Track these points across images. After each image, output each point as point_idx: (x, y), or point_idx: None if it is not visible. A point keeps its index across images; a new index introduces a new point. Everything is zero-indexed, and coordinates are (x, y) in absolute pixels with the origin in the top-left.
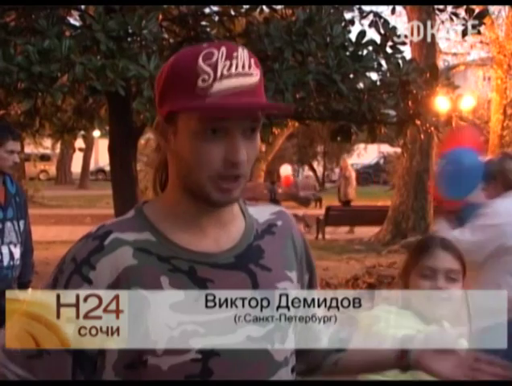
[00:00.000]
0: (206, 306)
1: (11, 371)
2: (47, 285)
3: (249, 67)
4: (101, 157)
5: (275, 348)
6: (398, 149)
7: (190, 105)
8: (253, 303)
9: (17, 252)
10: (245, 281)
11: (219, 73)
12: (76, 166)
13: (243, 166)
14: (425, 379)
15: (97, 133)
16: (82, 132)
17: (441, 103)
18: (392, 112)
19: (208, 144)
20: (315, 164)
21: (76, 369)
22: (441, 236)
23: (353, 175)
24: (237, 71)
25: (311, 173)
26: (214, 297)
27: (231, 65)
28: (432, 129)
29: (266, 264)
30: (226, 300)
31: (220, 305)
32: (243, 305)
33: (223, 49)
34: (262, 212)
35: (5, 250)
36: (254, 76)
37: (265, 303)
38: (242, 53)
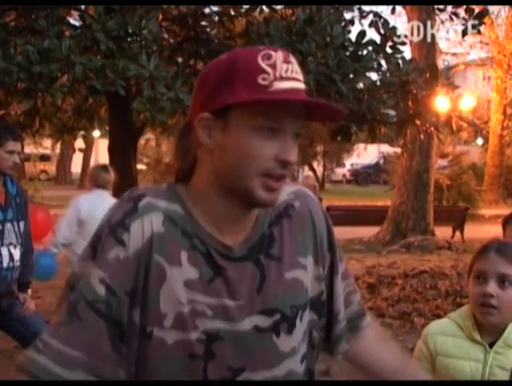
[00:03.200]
0: (217, 290)
1: (44, 344)
2: (86, 253)
3: (300, 73)
4: (101, 157)
5: (281, 338)
6: (398, 149)
7: (256, 97)
8: (261, 294)
9: (17, 253)
10: (253, 272)
11: (278, 74)
12: (76, 166)
13: (292, 167)
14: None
15: (97, 133)
16: (82, 132)
17: (441, 103)
18: (392, 112)
19: (264, 141)
20: (315, 164)
21: (116, 339)
22: (502, 240)
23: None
24: (293, 75)
25: (311, 173)
26: (225, 284)
27: (287, 69)
28: (432, 129)
29: (275, 254)
30: (236, 289)
31: (230, 293)
32: (251, 295)
33: (280, 53)
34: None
35: (4, 251)
36: (303, 83)
37: (271, 294)
38: (294, 60)
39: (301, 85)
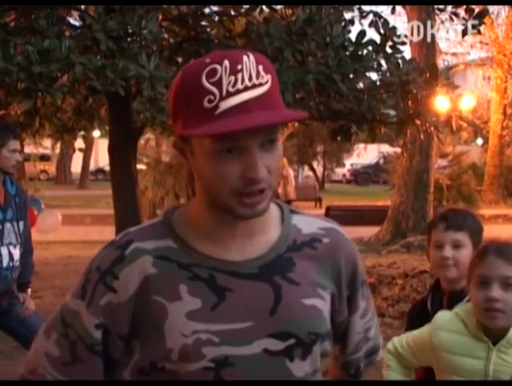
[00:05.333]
0: (222, 316)
1: (51, 375)
2: (77, 293)
3: (258, 76)
4: (101, 157)
5: (295, 364)
6: (398, 149)
7: (195, 132)
8: (274, 315)
9: (16, 253)
10: (267, 292)
11: (224, 91)
12: (76, 166)
13: (264, 180)
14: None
15: (97, 133)
16: (82, 132)
17: (441, 103)
18: (392, 112)
19: (225, 163)
20: (315, 164)
21: (108, 372)
22: (499, 242)
23: (292, 174)
24: (243, 85)
25: (311, 173)
26: (231, 307)
27: (236, 80)
28: (432, 129)
29: (294, 278)
30: (244, 310)
31: (238, 316)
32: (262, 317)
33: (226, 63)
34: (309, 224)
35: (4, 251)
36: (264, 85)
37: (287, 318)
38: (248, 62)
39: (255, 92)
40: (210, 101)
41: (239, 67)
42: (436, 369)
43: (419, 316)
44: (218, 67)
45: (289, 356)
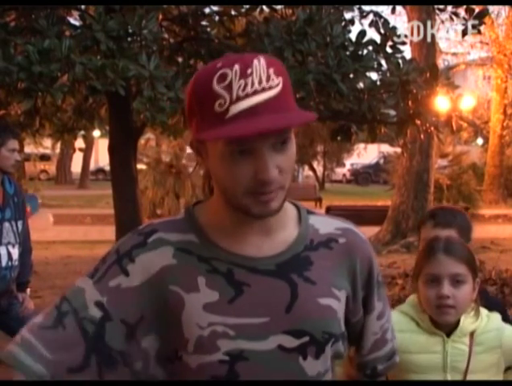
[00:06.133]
0: (239, 310)
1: (22, 337)
2: (88, 272)
3: (268, 79)
4: (101, 157)
5: (308, 362)
6: (398, 149)
7: (206, 136)
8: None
9: (15, 252)
10: (283, 289)
11: (234, 95)
12: (76, 166)
13: (276, 181)
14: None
15: (97, 133)
16: (82, 132)
17: (441, 103)
18: (392, 112)
19: (237, 165)
20: (315, 164)
21: (90, 359)
22: (446, 239)
23: None
24: (253, 89)
25: (311, 173)
26: (248, 302)
27: (246, 84)
28: (432, 129)
29: (310, 277)
30: (261, 306)
31: (254, 311)
32: (278, 313)
33: (236, 67)
34: (326, 224)
35: (3, 251)
36: (274, 88)
37: (302, 315)
38: (258, 66)
39: (265, 96)
40: (221, 105)
41: (249, 71)
42: (396, 370)
43: None
44: (229, 71)
45: (302, 354)
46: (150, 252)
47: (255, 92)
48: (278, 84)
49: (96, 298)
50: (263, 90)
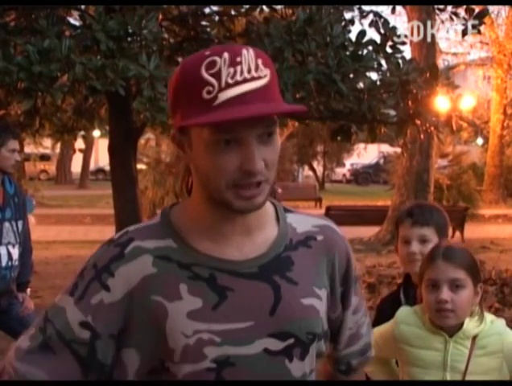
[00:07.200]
0: (224, 315)
1: (11, 366)
2: (67, 289)
3: (256, 69)
4: (101, 157)
5: (294, 363)
6: (398, 149)
7: (194, 121)
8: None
9: (15, 252)
10: (266, 292)
11: (223, 82)
12: (76, 166)
13: (261, 173)
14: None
15: (97, 133)
16: (82, 132)
17: (441, 103)
18: (392, 112)
19: (223, 155)
20: (315, 164)
21: (88, 378)
22: (446, 245)
23: None
24: (242, 77)
25: (311, 173)
26: (233, 307)
27: (235, 72)
28: (432, 128)
29: (292, 278)
30: (245, 310)
31: (239, 315)
32: (263, 317)
33: (225, 55)
34: (303, 222)
35: (3, 251)
36: (263, 78)
37: (286, 317)
38: (247, 55)
39: (253, 85)
40: (209, 92)
41: (238, 59)
42: (400, 362)
43: (391, 310)
44: (218, 59)
45: (288, 356)
46: (129, 264)
47: (245, 80)
48: (266, 75)
49: (80, 319)
50: (252, 79)
